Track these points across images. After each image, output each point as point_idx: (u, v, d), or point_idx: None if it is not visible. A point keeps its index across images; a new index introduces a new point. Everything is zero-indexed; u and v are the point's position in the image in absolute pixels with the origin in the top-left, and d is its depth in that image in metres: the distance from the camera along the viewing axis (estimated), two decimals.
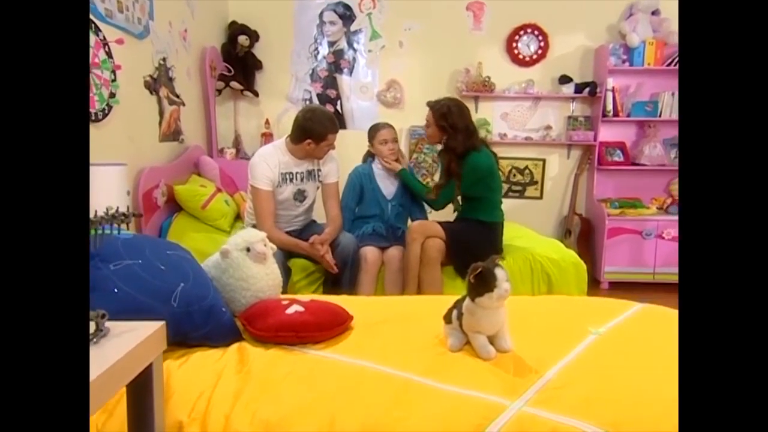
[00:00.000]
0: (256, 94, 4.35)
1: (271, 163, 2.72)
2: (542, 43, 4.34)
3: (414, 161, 4.47)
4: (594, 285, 2.88)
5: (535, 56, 4.36)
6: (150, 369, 0.91)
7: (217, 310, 1.50)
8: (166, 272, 1.46)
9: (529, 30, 4.33)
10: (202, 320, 1.45)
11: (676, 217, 4.09)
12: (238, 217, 3.38)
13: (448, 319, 1.49)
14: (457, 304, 1.48)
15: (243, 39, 4.20)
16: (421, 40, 4.39)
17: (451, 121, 2.84)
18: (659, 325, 1.64)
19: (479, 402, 1.17)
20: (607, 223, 4.01)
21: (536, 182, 4.48)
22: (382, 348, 1.44)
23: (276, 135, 4.39)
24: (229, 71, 4.14)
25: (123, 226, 1.14)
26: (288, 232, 2.84)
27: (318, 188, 2.93)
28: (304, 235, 2.86)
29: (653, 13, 4.18)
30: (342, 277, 2.73)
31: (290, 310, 1.50)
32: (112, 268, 1.37)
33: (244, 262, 1.65)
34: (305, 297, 1.65)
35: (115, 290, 1.33)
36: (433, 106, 2.92)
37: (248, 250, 1.67)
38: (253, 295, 1.64)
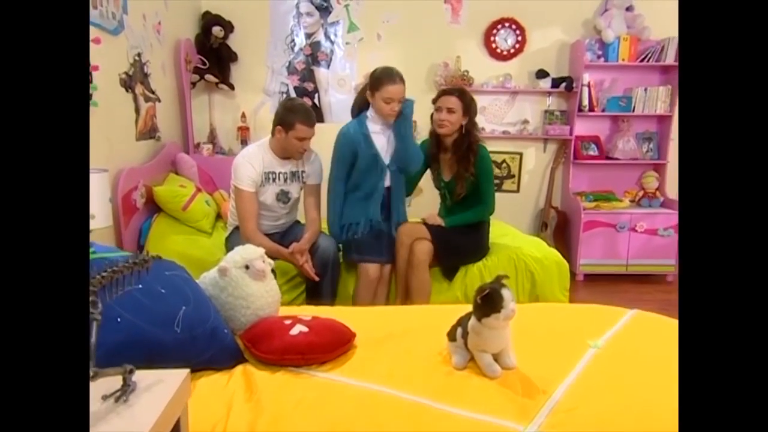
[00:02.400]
0: (232, 87, 4.24)
1: (254, 162, 2.67)
2: (519, 38, 4.35)
3: None
4: (570, 277, 2.94)
5: (512, 50, 4.37)
6: (178, 421, 0.88)
7: (219, 332, 1.47)
8: (167, 296, 1.42)
9: (506, 24, 4.33)
10: (206, 344, 1.42)
11: (648, 210, 4.21)
12: (219, 217, 3.32)
13: (452, 336, 1.50)
14: (461, 322, 1.49)
15: (217, 30, 4.08)
16: (399, 32, 4.35)
17: (474, 111, 2.78)
18: (654, 335, 1.69)
19: (493, 428, 1.19)
20: (582, 217, 4.09)
21: (513, 176, 4.52)
22: (389, 368, 1.44)
23: (252, 129, 4.31)
24: (204, 64, 4.02)
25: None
26: (272, 234, 2.80)
27: (302, 189, 2.89)
28: (287, 237, 2.83)
29: (627, 9, 4.23)
30: (322, 283, 2.71)
31: (294, 331, 1.48)
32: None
33: (243, 280, 1.62)
34: (306, 314, 1.63)
35: (118, 319, 1.29)
36: (459, 93, 2.76)
37: (247, 267, 1.64)
38: (253, 313, 1.62)
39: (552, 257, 2.90)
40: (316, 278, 2.66)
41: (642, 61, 4.20)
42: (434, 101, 2.82)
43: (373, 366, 1.46)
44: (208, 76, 4.05)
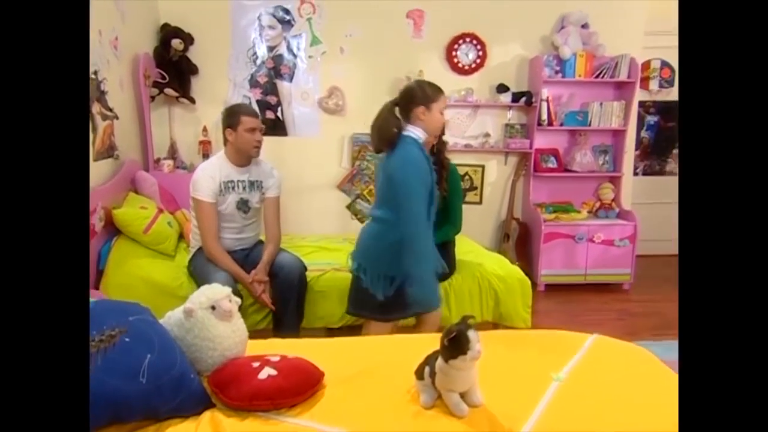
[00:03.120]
0: (193, 101, 4.16)
1: (212, 173, 2.70)
2: (480, 53, 4.41)
3: (357, 168, 4.46)
4: (531, 288, 3.01)
5: (473, 65, 4.43)
6: None
7: (186, 378, 1.45)
8: (131, 344, 1.39)
9: (467, 39, 4.38)
10: (173, 392, 1.40)
11: (605, 221, 4.34)
12: (181, 237, 3.25)
13: (420, 375, 1.52)
14: (429, 361, 1.50)
15: (177, 43, 4.00)
16: (362, 46, 4.35)
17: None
18: (615, 361, 1.75)
19: None
20: (543, 228, 4.18)
21: (476, 188, 4.59)
22: (358, 410, 1.44)
23: (214, 142, 4.24)
24: (164, 78, 3.93)
25: None
26: (236, 251, 2.79)
27: (262, 200, 2.88)
28: (252, 257, 2.82)
29: (583, 26, 4.34)
30: (288, 307, 2.70)
31: (263, 375, 1.47)
32: None
33: (210, 321, 1.60)
34: (273, 354, 1.62)
35: None
36: None
37: (213, 308, 1.61)
38: (221, 354, 1.60)
39: (515, 275, 2.96)
40: (272, 308, 2.69)
41: (597, 77, 4.32)
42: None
43: (343, 408, 1.46)
44: (168, 90, 3.97)
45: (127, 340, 1.39)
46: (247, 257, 2.83)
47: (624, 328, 3.48)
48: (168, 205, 3.37)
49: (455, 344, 1.39)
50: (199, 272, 2.69)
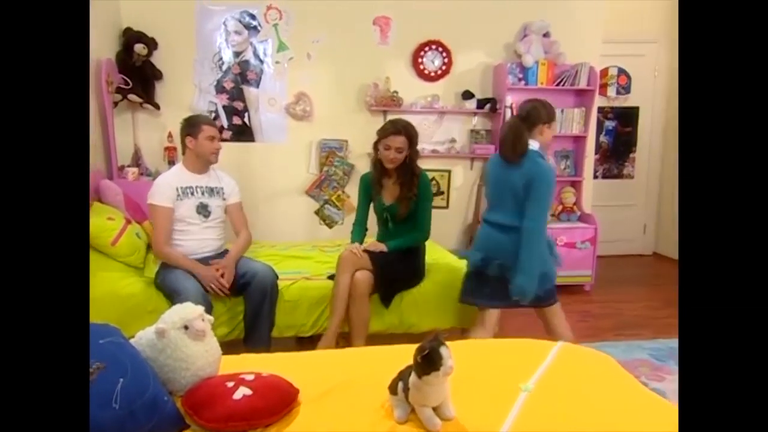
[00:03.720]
0: (157, 107, 4.08)
1: (168, 180, 2.82)
2: (446, 59, 4.47)
3: (325, 174, 4.45)
4: None
5: (439, 72, 4.48)
6: None
7: (159, 401, 1.43)
8: (103, 370, 1.37)
9: (433, 46, 4.43)
10: (146, 417, 1.38)
11: (567, 225, 4.45)
12: (149, 248, 3.19)
13: (393, 390, 1.54)
14: (402, 376, 1.53)
15: (140, 48, 3.91)
16: (329, 52, 4.34)
17: (416, 142, 2.88)
18: (581, 369, 1.80)
19: None
20: None
21: (443, 192, 4.64)
22: (333, 427, 1.46)
23: (180, 148, 4.16)
24: (127, 83, 3.84)
25: None
26: (198, 255, 2.79)
27: (224, 209, 2.94)
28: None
29: (545, 35, 4.44)
30: (259, 317, 2.69)
31: (237, 395, 1.46)
32: None
33: (183, 341, 1.58)
34: (248, 372, 1.61)
35: None
36: (405, 131, 2.80)
37: (186, 327, 1.60)
38: (194, 374, 1.58)
39: None
40: (227, 293, 2.70)
41: (558, 84, 4.43)
42: (382, 137, 2.83)
43: (318, 425, 1.47)
44: (132, 96, 3.88)
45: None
46: (209, 263, 2.80)
47: (587, 329, 3.58)
48: (134, 215, 3.30)
49: (428, 361, 1.42)
50: (168, 284, 2.65)
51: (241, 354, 1.94)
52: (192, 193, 2.83)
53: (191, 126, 2.84)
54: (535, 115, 2.54)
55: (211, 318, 1.69)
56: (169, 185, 2.78)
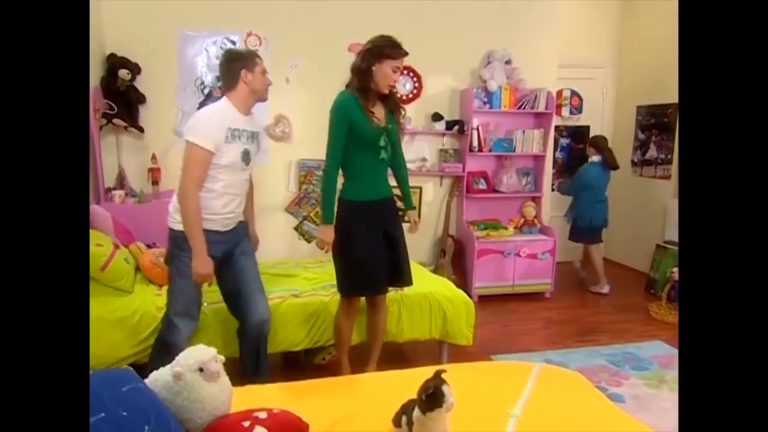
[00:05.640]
0: (141, 130, 4.00)
1: (218, 118, 2.28)
2: (417, 84, 4.54)
3: (303, 192, 4.46)
4: (474, 309, 3.18)
5: (410, 95, 4.55)
6: None
7: None
8: (129, 419, 1.36)
9: (405, 71, 4.48)
10: None
11: (529, 237, 4.60)
12: (137, 270, 3.14)
13: (397, 423, 1.60)
14: (405, 410, 1.58)
15: (124, 73, 3.83)
16: (307, 77, 4.35)
17: None
18: (560, 391, 1.90)
19: None
20: (476, 245, 4.38)
21: (414, 207, 4.69)
22: None
23: (164, 169, 4.09)
24: (112, 108, 3.75)
25: None
26: (224, 235, 2.42)
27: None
28: (234, 237, 2.49)
29: (507, 62, 4.57)
30: (258, 353, 2.55)
31: None
32: None
33: (199, 383, 1.59)
34: (260, 409, 1.63)
35: None
36: None
37: (201, 370, 1.61)
38: (210, 414, 1.59)
39: (460, 298, 3.10)
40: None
41: (519, 107, 4.57)
42: (392, 56, 2.46)
43: None
44: (117, 121, 3.79)
45: (124, 414, 1.37)
46: (231, 247, 2.47)
47: (550, 336, 3.72)
48: (122, 238, 3.24)
49: (432, 399, 1.48)
50: (175, 272, 2.40)
51: (246, 386, 1.95)
52: (239, 137, 2.34)
53: (245, 59, 2.35)
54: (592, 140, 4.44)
55: (222, 358, 1.70)
56: (219, 124, 2.26)
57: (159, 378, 1.65)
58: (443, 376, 1.53)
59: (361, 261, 2.52)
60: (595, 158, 4.61)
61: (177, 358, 1.65)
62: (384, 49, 2.46)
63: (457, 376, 1.97)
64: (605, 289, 4.63)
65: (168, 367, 1.65)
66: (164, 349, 2.39)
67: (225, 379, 1.69)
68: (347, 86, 2.60)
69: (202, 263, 2.30)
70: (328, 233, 2.52)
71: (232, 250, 2.51)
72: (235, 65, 2.34)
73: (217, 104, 2.38)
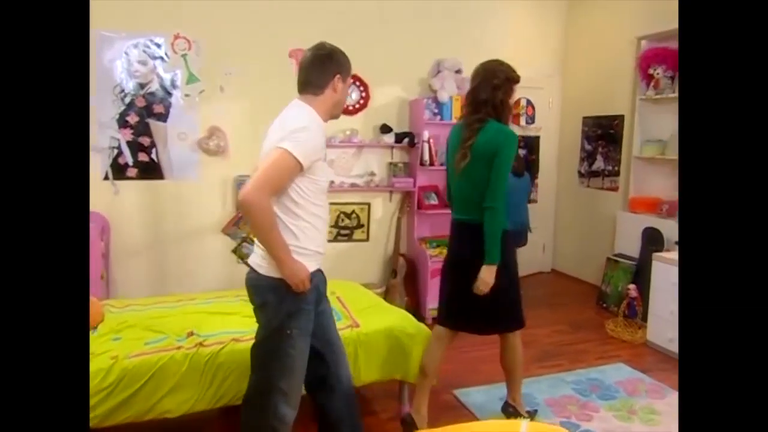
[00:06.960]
0: None
1: (322, 132, 1.83)
2: (364, 93, 4.22)
3: (241, 212, 4.02)
4: (419, 321, 2.90)
5: (357, 105, 4.23)
6: None
7: None
8: None
9: (352, 80, 4.16)
10: None
11: None
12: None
13: None
14: None
15: None
16: (244, 85, 3.93)
17: None
18: None
19: None
20: (429, 265, 4.11)
21: (363, 225, 4.39)
22: None
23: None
24: None
25: None
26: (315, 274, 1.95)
27: None
28: (323, 277, 2.06)
29: (457, 71, 4.34)
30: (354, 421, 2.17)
31: None
32: None
33: None
34: None
35: None
36: None
37: None
38: None
39: (423, 332, 2.80)
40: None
41: None
42: (515, 82, 2.51)
43: None
44: None
45: None
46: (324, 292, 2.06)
47: None
48: None
49: None
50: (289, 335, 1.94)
51: None
52: (325, 157, 1.93)
53: (342, 64, 1.89)
54: None
55: None
56: (323, 139, 1.83)
57: None
58: None
59: (518, 285, 2.64)
60: None
61: None
62: (511, 73, 2.49)
63: None
64: None
65: None
66: None
67: None
68: (485, 118, 2.47)
69: (296, 266, 1.81)
70: (494, 274, 2.39)
71: (322, 298, 2.06)
72: (332, 66, 1.86)
73: (308, 110, 1.84)
